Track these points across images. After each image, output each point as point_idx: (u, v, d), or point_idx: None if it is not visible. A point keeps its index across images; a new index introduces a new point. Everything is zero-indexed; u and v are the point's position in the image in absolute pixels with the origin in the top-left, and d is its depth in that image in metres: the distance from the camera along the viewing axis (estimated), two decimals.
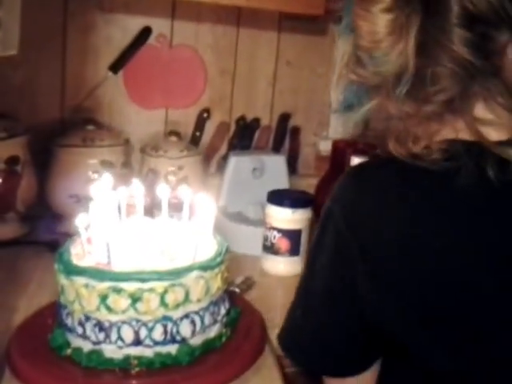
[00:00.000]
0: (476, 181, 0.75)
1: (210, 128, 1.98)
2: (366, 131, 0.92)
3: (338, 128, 2.02)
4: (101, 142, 1.60)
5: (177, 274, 0.97)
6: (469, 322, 0.79)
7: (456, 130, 0.82)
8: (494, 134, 0.80)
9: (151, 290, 0.94)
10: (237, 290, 1.34)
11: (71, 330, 0.98)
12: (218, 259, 1.05)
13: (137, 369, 0.96)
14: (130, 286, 0.93)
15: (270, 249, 1.54)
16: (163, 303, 0.95)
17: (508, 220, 0.78)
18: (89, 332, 0.96)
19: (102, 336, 0.95)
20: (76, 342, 0.98)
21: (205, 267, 1.01)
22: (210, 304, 1.03)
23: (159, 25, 1.83)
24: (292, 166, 2.06)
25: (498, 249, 0.77)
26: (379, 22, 0.82)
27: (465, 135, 0.81)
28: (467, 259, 0.77)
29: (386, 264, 0.82)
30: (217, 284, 1.04)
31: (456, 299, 0.78)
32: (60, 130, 1.71)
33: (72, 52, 1.74)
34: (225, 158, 1.93)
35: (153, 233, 1.06)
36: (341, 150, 1.87)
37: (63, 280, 0.97)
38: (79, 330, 0.97)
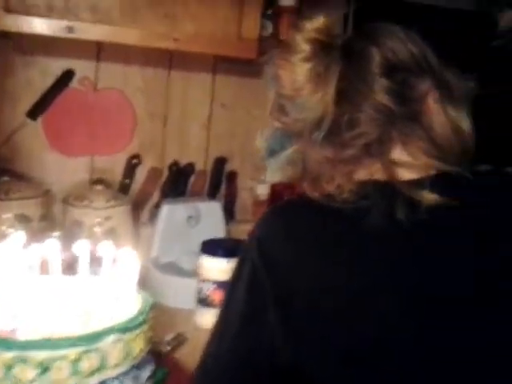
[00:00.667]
0: (388, 220, 0.78)
1: (140, 175, 1.91)
2: (303, 174, 0.93)
3: (276, 171, 1.98)
4: (15, 195, 1.52)
5: (91, 338, 0.89)
6: (389, 362, 0.78)
7: (371, 171, 0.85)
8: (407, 175, 0.83)
9: (62, 357, 0.86)
10: (167, 347, 1.29)
11: None
12: (140, 318, 0.98)
13: None
14: (39, 355, 0.85)
15: (203, 301, 1.48)
16: (76, 371, 0.87)
17: (425, 260, 0.79)
18: None
19: None
20: None
21: (123, 329, 0.94)
22: (131, 368, 0.96)
23: (83, 67, 1.76)
24: (229, 212, 2.05)
25: (417, 289, 0.78)
26: (298, 70, 0.86)
27: (379, 176, 0.84)
28: (387, 300, 0.78)
29: (303, 307, 0.81)
30: (139, 346, 0.97)
31: (376, 340, 0.78)
32: None
33: None
34: (157, 206, 1.88)
35: (68, 293, 1.00)
36: (279, 193, 1.89)
37: None
38: None
